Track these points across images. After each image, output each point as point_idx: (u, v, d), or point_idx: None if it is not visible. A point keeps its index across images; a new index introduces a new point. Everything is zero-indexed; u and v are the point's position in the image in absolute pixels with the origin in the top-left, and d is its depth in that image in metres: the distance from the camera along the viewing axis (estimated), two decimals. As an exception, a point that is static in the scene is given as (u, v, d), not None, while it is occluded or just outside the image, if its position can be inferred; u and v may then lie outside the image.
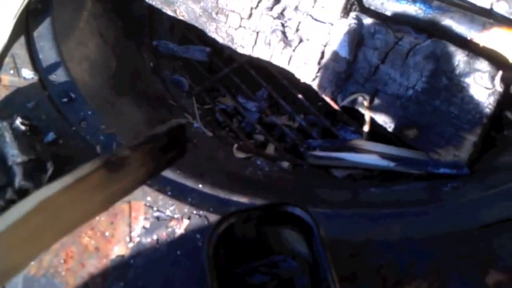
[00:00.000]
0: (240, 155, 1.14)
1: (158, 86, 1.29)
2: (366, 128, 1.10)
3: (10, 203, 0.71)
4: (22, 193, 0.72)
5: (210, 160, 1.06)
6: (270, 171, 1.08)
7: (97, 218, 0.79)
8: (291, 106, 1.26)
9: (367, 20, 1.08)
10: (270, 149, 1.19)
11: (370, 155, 1.08)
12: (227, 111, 1.28)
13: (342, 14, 1.10)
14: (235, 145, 1.14)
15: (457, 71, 1.02)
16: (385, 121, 1.11)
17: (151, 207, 0.80)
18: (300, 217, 0.62)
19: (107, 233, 0.77)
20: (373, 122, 1.11)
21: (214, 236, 0.59)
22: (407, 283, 0.72)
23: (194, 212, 0.79)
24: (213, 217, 0.79)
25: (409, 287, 0.71)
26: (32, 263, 0.76)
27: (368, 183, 1.04)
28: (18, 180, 0.71)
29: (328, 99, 1.24)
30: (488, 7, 1.06)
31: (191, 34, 1.38)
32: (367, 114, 1.10)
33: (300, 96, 1.26)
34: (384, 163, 1.04)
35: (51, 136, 0.89)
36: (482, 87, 0.99)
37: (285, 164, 1.13)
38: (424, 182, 0.99)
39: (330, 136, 1.20)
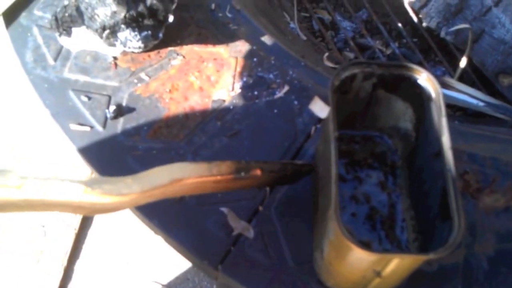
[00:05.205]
0: (329, 64, 1.14)
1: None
2: (462, 63, 1.09)
3: (139, 16, 0.74)
4: (152, 11, 0.75)
5: (303, 56, 1.07)
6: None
7: (205, 63, 0.83)
8: (388, 33, 1.25)
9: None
10: (358, 67, 1.19)
11: (459, 94, 1.08)
12: (323, 22, 1.29)
13: None
14: (326, 54, 1.15)
15: None
16: (483, 63, 1.10)
17: (256, 67, 0.83)
18: (420, 86, 0.63)
19: (212, 78, 0.81)
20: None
21: (340, 75, 0.60)
22: (487, 194, 0.73)
23: (295, 81, 0.82)
24: (313, 91, 0.81)
25: (487, 197, 0.73)
26: (139, 84, 0.80)
27: (451, 118, 1.04)
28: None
29: (426, 35, 1.23)
30: None
31: None
32: (467, 51, 1.08)
33: (399, 25, 1.25)
34: (473, 101, 1.04)
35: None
36: None
37: (371, 83, 1.14)
38: (508, 128, 0.99)
39: (419, 70, 1.19)
